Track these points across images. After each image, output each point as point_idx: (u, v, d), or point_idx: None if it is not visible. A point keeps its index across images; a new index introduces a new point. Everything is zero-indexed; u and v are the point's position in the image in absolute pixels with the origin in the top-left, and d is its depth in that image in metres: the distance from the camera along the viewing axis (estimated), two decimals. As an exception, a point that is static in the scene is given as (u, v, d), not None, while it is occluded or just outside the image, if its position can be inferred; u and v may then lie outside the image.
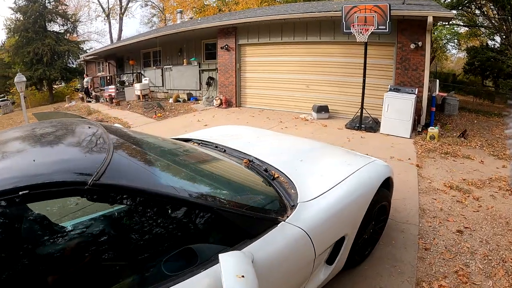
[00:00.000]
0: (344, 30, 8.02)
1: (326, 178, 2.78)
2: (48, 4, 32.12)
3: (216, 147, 3.37)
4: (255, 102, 11.72)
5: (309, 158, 3.24)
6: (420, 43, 8.14)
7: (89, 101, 19.19)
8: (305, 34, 9.89)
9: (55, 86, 36.87)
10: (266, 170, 2.79)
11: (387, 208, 3.37)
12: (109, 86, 19.38)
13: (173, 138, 3.62)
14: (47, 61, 30.39)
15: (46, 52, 30.04)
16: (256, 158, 3.04)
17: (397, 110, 7.74)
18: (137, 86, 17.01)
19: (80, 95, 21.11)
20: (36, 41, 30.43)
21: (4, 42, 36.72)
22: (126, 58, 20.18)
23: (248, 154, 3.15)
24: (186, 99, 14.91)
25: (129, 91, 17.56)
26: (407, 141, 7.52)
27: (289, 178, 2.69)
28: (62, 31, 34.07)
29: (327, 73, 9.82)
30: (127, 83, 19.46)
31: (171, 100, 15.11)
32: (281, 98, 10.93)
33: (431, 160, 6.40)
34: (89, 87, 20.31)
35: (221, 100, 12.25)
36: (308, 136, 7.46)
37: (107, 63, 23.10)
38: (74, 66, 33.27)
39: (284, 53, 10.57)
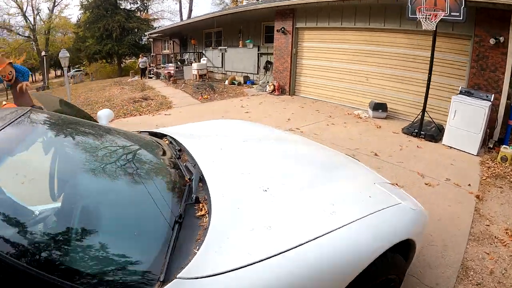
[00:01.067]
0: (409, 15, 6.95)
1: (275, 234, 1.75)
2: None
3: (179, 151, 2.65)
4: (309, 91, 11.08)
5: (289, 187, 2.25)
6: (502, 39, 6.75)
7: (150, 77, 19.81)
8: (367, 19, 8.98)
9: (125, 61, 38.41)
10: (196, 199, 1.93)
11: (397, 284, 2.28)
12: (169, 64, 19.78)
13: (143, 131, 3.27)
14: (116, 37, 32.06)
15: (116, 28, 31.62)
16: (203, 177, 2.17)
17: (465, 119, 6.38)
18: (194, 65, 17.15)
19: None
20: (107, 18, 32.13)
21: (80, 18, 38.71)
22: (190, 38, 20.33)
23: (198, 168, 2.29)
24: (242, 82, 14.61)
25: (187, 70, 17.77)
26: (472, 159, 6.12)
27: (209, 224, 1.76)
28: (133, 8, 35.42)
29: (389, 66, 8.82)
30: (187, 62, 19.56)
31: (226, 82, 14.94)
32: (336, 89, 10.17)
33: (497, 191, 4.85)
34: (147, 67, 21.52)
35: (274, 86, 11.77)
36: (354, 138, 6.76)
37: (171, 42, 23.51)
38: (143, 42, 34.37)
39: (343, 40, 9.76)
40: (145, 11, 39.16)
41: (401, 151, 6.28)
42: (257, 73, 14.51)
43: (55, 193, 1.86)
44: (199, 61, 18.16)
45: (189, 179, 2.15)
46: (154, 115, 9.83)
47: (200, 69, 16.84)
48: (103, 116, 3.86)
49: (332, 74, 10.20)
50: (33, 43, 42.40)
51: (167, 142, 2.93)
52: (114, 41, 32.39)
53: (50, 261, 1.30)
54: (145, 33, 28.38)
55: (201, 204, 1.91)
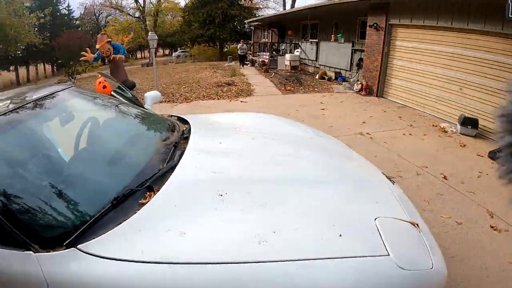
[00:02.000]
0: (510, 15, 6.06)
1: (186, 242, 1.61)
2: None
3: (184, 139, 2.67)
4: (397, 95, 10.44)
5: (240, 197, 1.97)
6: None
7: (246, 64, 20.40)
8: (466, 18, 7.96)
9: (228, 46, 39.83)
10: (149, 187, 1.97)
11: None
12: (264, 53, 20.15)
13: (174, 115, 3.44)
14: (219, 23, 33.56)
15: (219, 14, 33.15)
16: (174, 168, 2.16)
17: None
18: (287, 56, 17.29)
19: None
20: (210, 4, 33.72)
21: (187, 3, 40.93)
22: (287, 28, 20.37)
23: (179, 158, 2.30)
24: (333, 77, 14.31)
25: (281, 60, 18.06)
26: None
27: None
28: None
29: (487, 76, 7.67)
30: (282, 52, 19.68)
31: (317, 76, 14.72)
32: (426, 96, 9.33)
33: None
34: (246, 53, 21.90)
35: (362, 85, 11.32)
36: (428, 154, 5.79)
37: (270, 31, 23.82)
38: (244, 30, 35.35)
39: (438, 41, 8.89)
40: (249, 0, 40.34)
41: (478, 179, 5.03)
42: (350, 70, 14.07)
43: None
44: (294, 53, 18.13)
45: (163, 166, 2.21)
46: (231, 101, 10.05)
47: (293, 60, 16.89)
48: (149, 97, 4.14)
49: (423, 78, 9.41)
50: (142, 23, 45.83)
51: (182, 128, 2.99)
52: (216, 27, 33.88)
53: None
54: (245, 21, 29.05)
55: (150, 193, 1.93)
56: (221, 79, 14.06)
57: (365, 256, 1.59)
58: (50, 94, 2.65)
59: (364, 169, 2.80)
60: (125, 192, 1.87)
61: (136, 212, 1.76)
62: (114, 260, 1.48)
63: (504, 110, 1.00)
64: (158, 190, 1.93)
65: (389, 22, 10.26)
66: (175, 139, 2.67)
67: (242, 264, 1.49)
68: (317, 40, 16.29)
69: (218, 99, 10.55)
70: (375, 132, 6.70)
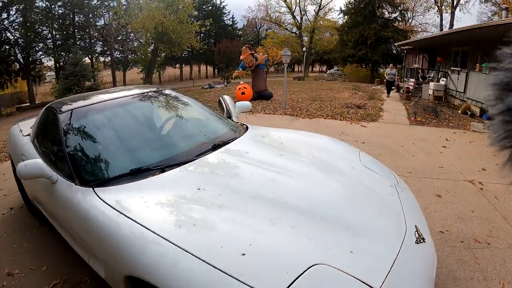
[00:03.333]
0: None
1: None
2: None
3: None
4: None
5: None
6: None
7: (391, 89, 18.84)
8: None
9: (378, 69, 38.72)
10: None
11: None
12: (410, 79, 18.89)
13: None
14: (371, 44, 32.91)
15: (371, 35, 32.49)
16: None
17: None
18: (431, 85, 16.04)
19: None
20: (363, 24, 33.11)
21: (344, 22, 40.85)
22: (437, 54, 18.81)
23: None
24: (477, 114, 12.70)
25: (425, 88, 16.96)
26: None
27: None
28: (391, 18, 35.34)
29: None
30: (427, 80, 18.29)
31: (459, 111, 13.25)
32: None
33: None
34: (395, 80, 19.23)
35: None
36: None
37: (421, 56, 22.37)
38: (396, 53, 33.93)
39: None
40: (404, 22, 38.47)
41: None
42: (500, 107, 12.32)
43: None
44: (439, 82, 16.65)
45: (185, 158, 2.84)
46: (351, 123, 9.63)
47: (436, 90, 15.46)
48: (238, 106, 4.40)
49: None
50: (299, 39, 47.12)
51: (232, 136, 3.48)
52: (368, 48, 33.22)
53: None
54: (395, 44, 27.75)
55: (159, 173, 2.61)
56: (355, 101, 13.61)
57: None
58: (154, 91, 4.06)
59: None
60: (142, 167, 2.62)
61: (139, 181, 2.45)
62: (105, 204, 2.21)
63: (497, 78, 0.96)
64: (163, 172, 2.58)
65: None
66: (218, 142, 3.13)
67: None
68: (466, 70, 14.59)
69: (340, 119, 10.18)
70: (490, 183, 5.26)
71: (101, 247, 2.13)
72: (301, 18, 48.57)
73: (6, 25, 33.31)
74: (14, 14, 33.24)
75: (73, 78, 22.40)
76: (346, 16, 38.99)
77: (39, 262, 3.39)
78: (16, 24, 33.70)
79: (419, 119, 10.61)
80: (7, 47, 33.63)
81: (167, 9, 27.44)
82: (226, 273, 1.57)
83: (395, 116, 11.18)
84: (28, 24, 33.49)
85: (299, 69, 64.46)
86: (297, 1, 47.93)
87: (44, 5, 36.59)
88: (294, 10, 48.61)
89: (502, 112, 0.99)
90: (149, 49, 34.19)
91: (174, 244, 1.75)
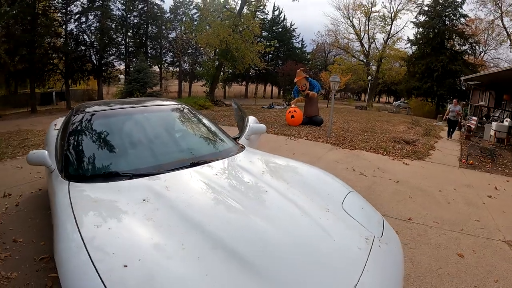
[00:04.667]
0: None
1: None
2: (448, 21, 32.14)
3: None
4: None
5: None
6: None
7: (454, 130, 16.65)
8: None
9: (444, 104, 37.02)
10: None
11: None
12: (472, 117, 17.63)
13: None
14: (437, 77, 31.22)
15: (438, 67, 30.84)
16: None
17: None
18: (493, 125, 14.67)
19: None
20: (431, 56, 31.73)
21: (412, 53, 39.54)
22: (505, 91, 17.42)
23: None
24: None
25: (487, 129, 15.61)
26: None
27: None
28: (460, 50, 33.60)
29: None
30: (491, 119, 16.93)
31: (519, 154, 12.03)
32: None
33: None
34: (458, 118, 15.89)
35: None
36: None
37: (487, 93, 20.87)
38: (463, 89, 32.15)
39: None
40: (474, 55, 36.30)
41: None
42: None
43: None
44: (503, 122, 15.22)
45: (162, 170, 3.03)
46: (393, 160, 8.97)
47: (498, 131, 14.05)
48: (250, 128, 4.59)
49: None
50: (365, 67, 46.20)
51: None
52: (434, 81, 31.66)
53: None
54: (461, 78, 26.17)
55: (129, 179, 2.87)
56: (407, 136, 12.73)
57: None
58: (168, 104, 4.54)
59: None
60: (113, 172, 2.95)
61: (105, 183, 2.74)
62: (67, 195, 2.51)
63: None
64: (131, 179, 2.80)
65: None
66: (198, 160, 3.24)
67: None
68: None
69: (382, 154, 9.49)
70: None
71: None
72: (369, 46, 47.56)
73: (84, 28, 36.34)
74: (92, 19, 36.37)
75: (136, 83, 23.60)
76: (414, 47, 37.66)
77: (41, 236, 3.96)
78: (93, 28, 36.76)
79: (471, 161, 9.60)
80: (83, 48, 36.80)
81: (232, 27, 27.90)
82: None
83: (445, 156, 10.24)
84: (103, 30, 36.12)
85: (366, 98, 63.58)
86: (366, 28, 47.12)
87: (120, 14, 39.48)
88: (362, 38, 47.75)
89: None
90: (213, 64, 34.93)
91: (83, 241, 1.93)
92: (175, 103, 4.70)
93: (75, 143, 3.38)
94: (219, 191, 2.64)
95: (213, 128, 4.22)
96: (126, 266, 1.76)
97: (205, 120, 4.33)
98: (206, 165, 3.16)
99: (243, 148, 3.86)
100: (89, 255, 1.81)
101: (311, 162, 7.74)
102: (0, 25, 25.95)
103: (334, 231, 2.33)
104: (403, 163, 8.63)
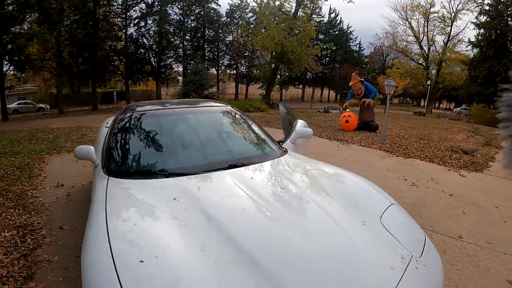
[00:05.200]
0: None
1: None
2: (510, 22, 30.19)
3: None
4: None
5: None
6: None
7: None
8: None
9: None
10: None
11: None
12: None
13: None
14: (500, 82, 29.16)
15: (501, 72, 28.64)
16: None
17: None
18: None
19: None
20: (493, 59, 29.70)
21: (474, 55, 37.50)
22: None
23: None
24: None
25: None
26: None
27: None
28: None
29: None
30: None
31: None
32: None
33: None
34: None
35: None
36: None
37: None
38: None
39: None
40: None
41: None
42: None
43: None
44: None
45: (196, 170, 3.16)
46: (449, 170, 8.67)
47: None
48: (297, 132, 4.63)
49: None
50: (425, 71, 44.56)
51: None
52: (497, 86, 29.79)
53: None
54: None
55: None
56: (465, 145, 12.18)
57: None
58: (214, 106, 4.71)
59: None
60: (150, 170, 3.14)
61: (141, 181, 2.92)
62: (105, 189, 2.73)
63: (509, 100, 1.05)
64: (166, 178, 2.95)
65: None
66: (237, 162, 3.28)
67: None
68: None
69: (438, 164, 9.17)
70: None
71: None
72: (429, 49, 45.74)
73: (143, 32, 39.26)
74: (150, 24, 38.62)
75: (192, 85, 24.35)
76: (475, 49, 35.69)
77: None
78: (151, 32, 38.92)
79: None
80: (142, 50, 39.75)
81: (287, 30, 27.97)
82: None
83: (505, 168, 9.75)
84: (162, 34, 37.83)
85: (425, 104, 61.42)
86: (425, 30, 45.45)
87: (178, 18, 41.00)
88: (421, 40, 45.98)
89: None
90: (269, 67, 35.16)
91: (108, 233, 2.06)
92: (221, 104, 4.82)
93: (118, 140, 3.62)
94: (249, 195, 2.61)
95: (257, 131, 4.25)
96: (143, 261, 1.82)
97: (249, 123, 4.39)
98: (243, 167, 3.18)
99: (285, 152, 3.84)
100: (110, 247, 1.91)
101: (361, 170, 7.73)
102: (64, 29, 27.93)
103: (366, 247, 2.20)
104: (459, 174, 8.32)
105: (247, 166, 3.22)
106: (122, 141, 3.64)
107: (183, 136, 3.79)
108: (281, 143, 4.34)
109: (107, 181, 2.88)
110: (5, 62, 25.65)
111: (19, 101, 40.41)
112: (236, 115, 4.50)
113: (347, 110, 15.21)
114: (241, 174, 3.03)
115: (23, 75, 35.36)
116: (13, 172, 7.17)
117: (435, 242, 3.95)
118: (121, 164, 3.34)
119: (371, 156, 9.48)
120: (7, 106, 28.62)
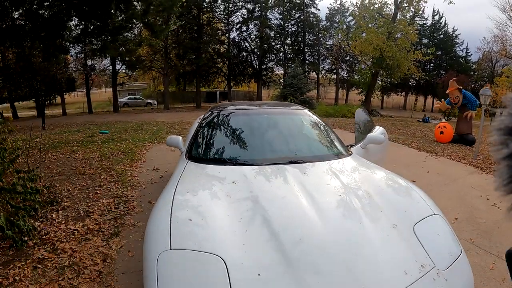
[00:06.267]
0: None
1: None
2: None
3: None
4: None
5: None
6: None
7: None
8: None
9: None
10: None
11: None
12: None
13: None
14: None
15: None
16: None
17: None
18: None
19: None
20: None
21: None
22: None
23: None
24: None
25: None
26: None
27: None
28: None
29: None
30: None
31: None
32: None
33: None
34: None
35: None
36: None
37: None
38: None
39: None
40: None
41: None
42: None
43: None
44: None
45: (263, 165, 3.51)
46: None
47: None
48: (368, 138, 4.78)
49: None
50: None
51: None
52: None
53: None
54: None
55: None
56: None
57: None
58: (293, 108, 5.26)
59: None
60: (222, 159, 3.67)
61: (212, 166, 3.49)
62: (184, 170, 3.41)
63: (502, 123, 1.04)
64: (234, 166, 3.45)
65: None
66: (298, 160, 3.60)
67: None
68: None
69: None
70: None
71: None
72: (542, 54, 40.67)
73: (245, 36, 41.72)
74: (252, 28, 40.87)
75: (290, 88, 24.89)
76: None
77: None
78: (253, 36, 40.73)
79: None
80: (244, 54, 42.10)
81: (386, 34, 26.89)
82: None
83: None
84: (263, 38, 39.23)
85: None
86: (539, 31, 40.22)
87: (278, 23, 41.89)
88: (534, 44, 41.03)
89: (506, 157, 1.04)
90: (369, 73, 34.15)
91: (173, 199, 2.62)
92: (298, 107, 5.31)
93: (201, 133, 4.27)
94: (294, 186, 2.91)
95: (326, 133, 4.53)
96: (191, 220, 2.37)
97: (320, 125, 4.68)
98: (300, 164, 3.48)
99: (349, 155, 4.04)
100: (172, 206, 2.49)
101: (443, 184, 7.38)
102: (171, 33, 30.50)
103: (385, 247, 2.29)
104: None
105: (305, 163, 3.50)
106: (204, 133, 4.29)
107: (255, 133, 4.22)
108: (349, 147, 4.57)
109: (186, 164, 3.54)
110: (118, 62, 29.23)
111: (129, 96, 45.25)
112: (309, 118, 4.80)
113: (443, 120, 14.31)
114: (297, 169, 3.32)
115: (134, 73, 39.68)
116: (118, 155, 8.94)
117: (496, 269, 3.78)
118: (199, 152, 3.94)
119: (458, 170, 8.89)
120: (119, 100, 33.28)
